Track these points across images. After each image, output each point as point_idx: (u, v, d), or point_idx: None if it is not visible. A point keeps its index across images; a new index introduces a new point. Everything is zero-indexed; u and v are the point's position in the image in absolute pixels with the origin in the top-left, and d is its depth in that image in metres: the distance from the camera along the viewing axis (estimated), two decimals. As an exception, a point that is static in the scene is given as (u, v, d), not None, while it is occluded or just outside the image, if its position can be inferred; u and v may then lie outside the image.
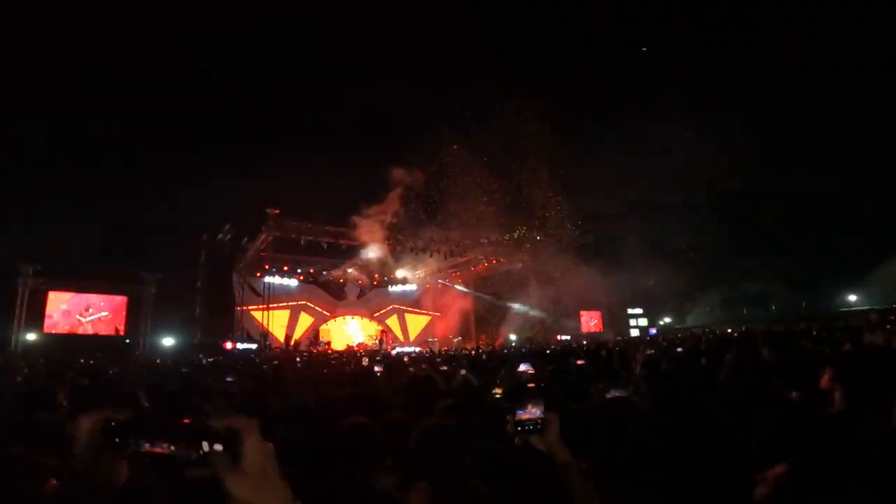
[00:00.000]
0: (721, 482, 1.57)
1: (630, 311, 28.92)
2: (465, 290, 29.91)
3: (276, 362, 8.63)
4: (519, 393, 1.81)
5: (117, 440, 0.91)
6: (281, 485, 0.79)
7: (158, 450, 0.94)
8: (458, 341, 26.83)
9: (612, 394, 2.59)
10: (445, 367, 7.57)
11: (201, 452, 0.89)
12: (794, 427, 1.46)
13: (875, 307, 21.11)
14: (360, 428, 2.32)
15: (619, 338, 19.14)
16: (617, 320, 28.75)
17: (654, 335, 23.21)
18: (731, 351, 4.10)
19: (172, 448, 0.92)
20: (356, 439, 2.24)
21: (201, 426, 0.95)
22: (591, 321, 29.46)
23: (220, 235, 22.24)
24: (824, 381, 2.36)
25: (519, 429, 1.70)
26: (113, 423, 0.97)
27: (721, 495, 1.53)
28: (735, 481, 1.49)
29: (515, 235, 22.92)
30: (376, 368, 6.51)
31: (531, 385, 1.77)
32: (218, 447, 0.90)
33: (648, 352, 6.09)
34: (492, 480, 2.00)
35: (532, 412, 1.70)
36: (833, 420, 2.06)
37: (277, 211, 21.30)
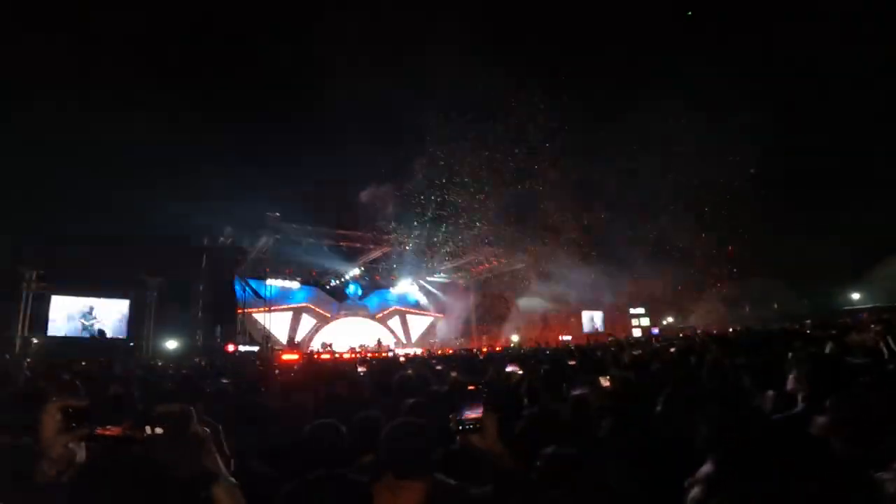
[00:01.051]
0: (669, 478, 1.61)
1: (632, 310, 28.86)
2: (467, 290, 29.96)
3: (260, 367, 8.73)
4: (460, 395, 1.94)
5: (74, 424, 1.12)
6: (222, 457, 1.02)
7: (108, 432, 1.16)
8: (459, 342, 26.88)
9: (576, 391, 2.65)
10: (440, 367, 7.66)
11: (146, 435, 1.15)
12: (727, 427, 1.51)
13: (878, 305, 21.05)
14: (327, 427, 2.38)
15: (610, 338, 19.09)
16: (619, 320, 28.71)
17: (656, 335, 23.15)
18: (713, 351, 4.14)
19: (121, 431, 1.19)
20: (322, 439, 2.30)
21: (147, 413, 1.24)
22: (592, 321, 29.44)
23: (222, 239, 22.38)
24: (790, 382, 2.40)
25: (460, 428, 1.81)
26: (71, 410, 1.20)
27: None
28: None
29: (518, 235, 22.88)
30: (360, 369, 6.60)
31: (471, 388, 1.88)
32: (158, 430, 1.17)
33: (636, 352, 6.13)
34: (461, 476, 2.07)
35: (474, 412, 1.80)
36: (782, 420, 2.10)
37: (278, 213, 21.44)
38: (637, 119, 21.19)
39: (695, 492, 1.24)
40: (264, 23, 24.90)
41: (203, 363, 12.95)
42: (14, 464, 1.34)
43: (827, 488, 1.09)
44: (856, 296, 25.44)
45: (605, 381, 2.59)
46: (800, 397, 2.27)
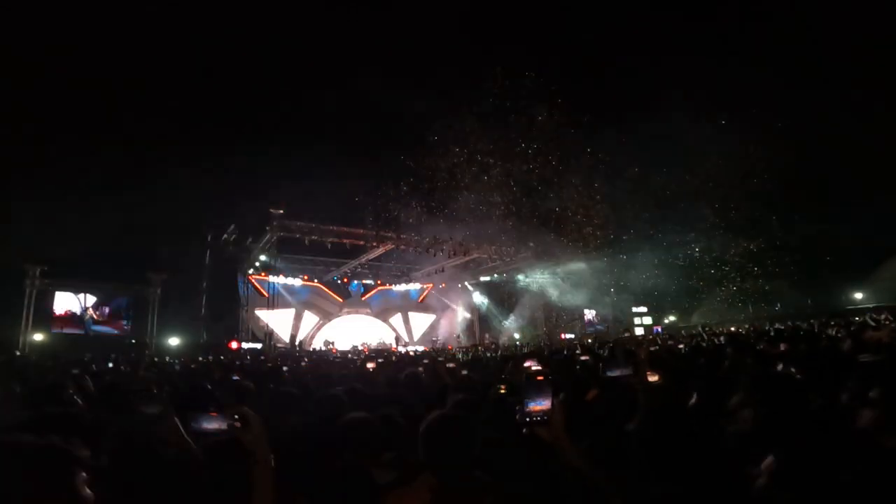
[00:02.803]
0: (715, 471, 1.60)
1: (635, 308, 28.83)
2: (469, 288, 29.92)
3: (269, 364, 8.72)
4: (527, 386, 1.85)
5: None
6: None
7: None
8: (461, 340, 26.88)
9: (613, 372, 2.66)
10: (452, 365, 7.65)
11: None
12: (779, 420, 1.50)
13: (881, 304, 20.99)
14: (359, 422, 2.35)
15: (626, 334, 19.10)
16: (622, 318, 28.68)
17: (659, 333, 23.12)
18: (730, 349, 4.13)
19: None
20: (354, 434, 2.27)
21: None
22: (595, 319, 29.42)
23: (225, 235, 22.36)
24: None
25: (527, 420, 1.75)
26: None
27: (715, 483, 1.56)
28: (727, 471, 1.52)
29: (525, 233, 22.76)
30: (369, 365, 6.58)
31: (540, 378, 1.80)
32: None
33: (652, 348, 6.11)
34: (496, 473, 2.04)
35: (540, 404, 1.75)
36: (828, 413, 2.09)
37: (281, 211, 21.40)
38: (646, 115, 21.10)
39: (761, 482, 1.23)
40: (269, 18, 24.85)
41: (210, 360, 12.94)
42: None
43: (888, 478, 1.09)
44: (859, 295, 25.40)
45: (652, 375, 2.56)
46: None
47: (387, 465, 2.29)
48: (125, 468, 1.71)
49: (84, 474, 1.09)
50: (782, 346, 4.50)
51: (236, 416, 1.68)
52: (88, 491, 1.08)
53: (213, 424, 1.69)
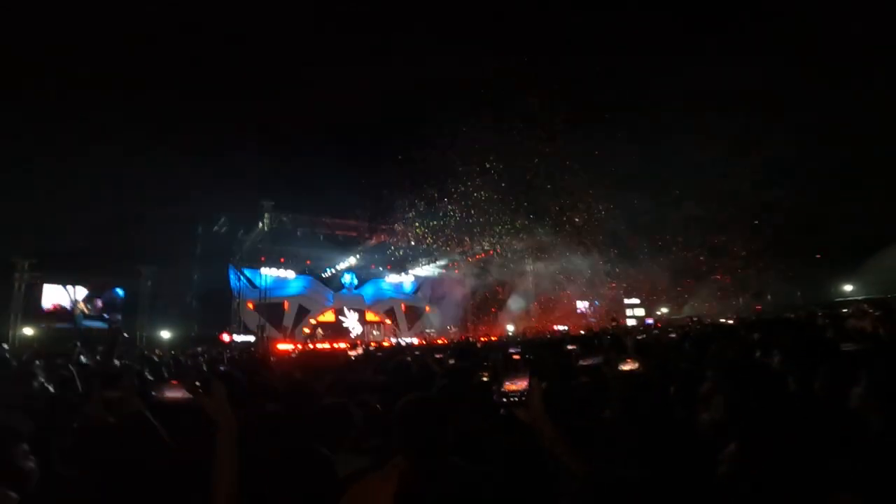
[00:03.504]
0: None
1: (627, 300, 29.01)
2: (463, 281, 29.95)
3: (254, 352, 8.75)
4: (505, 366, 1.83)
5: None
6: None
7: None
8: (454, 332, 26.93)
9: (585, 361, 2.67)
10: (440, 355, 7.67)
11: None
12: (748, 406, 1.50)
13: (870, 297, 21.22)
14: (335, 407, 2.33)
15: (614, 323, 19.23)
16: (614, 310, 28.83)
17: (650, 325, 23.29)
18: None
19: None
20: (329, 418, 2.26)
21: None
22: (588, 311, 29.56)
23: (216, 227, 22.22)
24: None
25: (504, 400, 1.73)
26: None
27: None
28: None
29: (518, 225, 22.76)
30: (351, 353, 6.63)
31: (516, 358, 1.79)
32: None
33: (639, 337, 6.15)
34: (473, 459, 2.01)
35: (516, 384, 1.73)
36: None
37: (273, 202, 21.30)
38: (638, 111, 21.13)
39: (725, 468, 1.23)
40: (261, 10, 24.53)
41: (202, 352, 12.89)
42: None
43: (862, 463, 1.08)
44: (848, 287, 25.64)
45: (631, 363, 2.55)
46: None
47: (365, 452, 2.27)
48: (88, 449, 1.70)
49: (25, 446, 1.08)
50: (758, 336, 4.54)
51: (197, 384, 1.70)
52: (31, 463, 1.07)
53: (175, 393, 1.73)
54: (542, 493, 1.95)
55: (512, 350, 4.58)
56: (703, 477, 1.63)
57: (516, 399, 1.80)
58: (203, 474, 1.64)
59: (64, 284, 22.10)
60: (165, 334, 21.82)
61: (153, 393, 1.78)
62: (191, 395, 1.71)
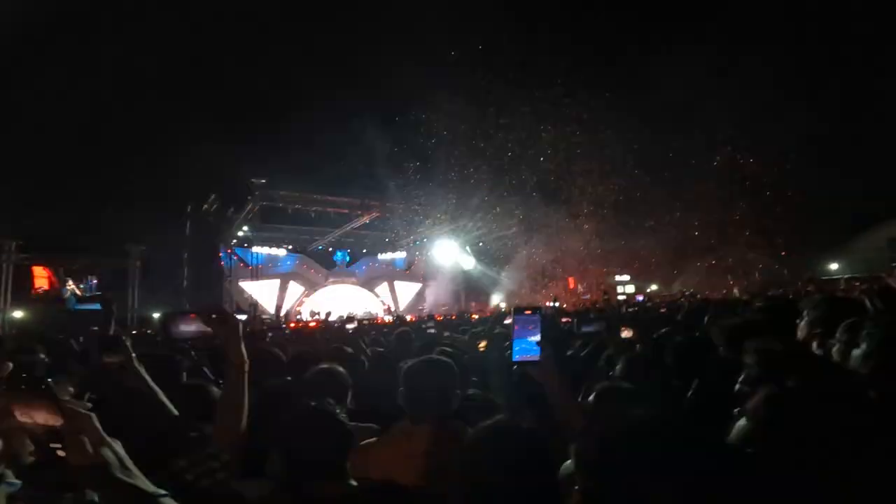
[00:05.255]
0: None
1: (617, 277, 29.24)
2: (456, 257, 29.97)
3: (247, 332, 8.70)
4: (517, 320, 1.78)
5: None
6: None
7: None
8: (447, 308, 27.08)
9: (588, 328, 2.73)
10: (433, 330, 7.77)
11: None
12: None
13: (855, 276, 21.57)
14: (329, 371, 2.37)
15: (605, 296, 19.47)
16: (605, 285, 29.09)
17: (641, 301, 23.57)
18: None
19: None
20: (324, 382, 2.29)
21: None
22: (579, 288, 29.77)
23: (206, 206, 21.95)
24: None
25: (517, 359, 1.72)
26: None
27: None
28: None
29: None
30: (348, 326, 6.67)
31: (528, 312, 1.73)
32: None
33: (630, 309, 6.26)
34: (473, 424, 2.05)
35: (530, 340, 1.72)
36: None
37: (263, 180, 21.01)
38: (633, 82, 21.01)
39: (743, 424, 1.25)
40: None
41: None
42: None
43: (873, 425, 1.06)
44: (833, 266, 26.01)
45: (628, 331, 2.61)
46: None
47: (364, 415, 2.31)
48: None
49: None
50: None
51: (213, 315, 1.72)
52: None
53: (191, 327, 1.75)
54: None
55: (508, 321, 4.65)
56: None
57: (529, 358, 1.82)
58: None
59: (52, 266, 21.81)
60: (156, 314, 21.69)
61: (171, 328, 1.80)
62: (207, 329, 1.72)
